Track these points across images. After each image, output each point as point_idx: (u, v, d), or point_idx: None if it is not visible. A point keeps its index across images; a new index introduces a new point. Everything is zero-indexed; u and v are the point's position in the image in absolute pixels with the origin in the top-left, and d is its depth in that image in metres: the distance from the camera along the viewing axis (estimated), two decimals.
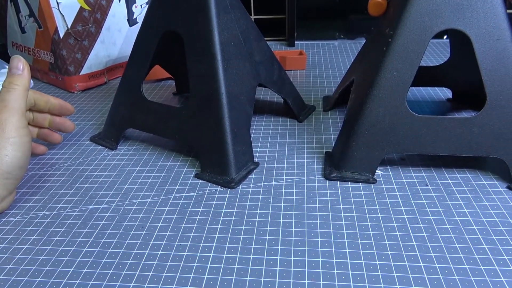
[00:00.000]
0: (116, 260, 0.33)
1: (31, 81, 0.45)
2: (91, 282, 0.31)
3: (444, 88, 0.62)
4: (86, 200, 0.41)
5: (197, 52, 0.43)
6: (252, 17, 0.91)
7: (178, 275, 0.31)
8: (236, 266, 0.32)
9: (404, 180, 0.42)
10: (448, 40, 0.83)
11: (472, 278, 0.30)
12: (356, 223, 0.36)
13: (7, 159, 0.37)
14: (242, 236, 0.35)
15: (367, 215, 0.37)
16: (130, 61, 0.49)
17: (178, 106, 0.45)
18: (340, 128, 0.50)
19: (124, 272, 0.32)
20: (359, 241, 0.34)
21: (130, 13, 0.72)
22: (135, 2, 0.73)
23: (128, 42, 0.73)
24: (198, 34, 0.42)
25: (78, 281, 0.31)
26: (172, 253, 0.33)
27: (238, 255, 0.33)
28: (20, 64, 0.41)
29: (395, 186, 0.41)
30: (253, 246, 0.34)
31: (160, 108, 0.46)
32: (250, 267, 0.32)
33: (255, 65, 0.47)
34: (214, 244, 0.34)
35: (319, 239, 0.34)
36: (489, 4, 0.37)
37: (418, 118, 0.40)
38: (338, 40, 0.90)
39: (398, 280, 0.30)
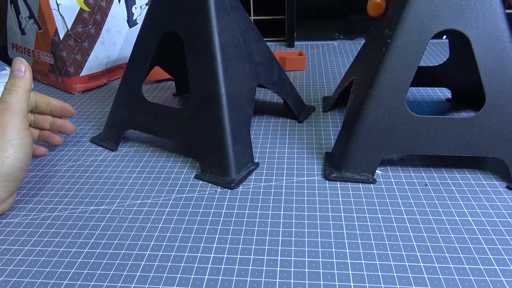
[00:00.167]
0: (117, 261, 0.33)
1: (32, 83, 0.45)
2: (92, 283, 0.31)
3: (443, 88, 0.62)
4: (87, 201, 0.41)
5: (196, 53, 0.43)
6: (252, 17, 0.91)
7: (179, 275, 0.31)
8: (236, 267, 0.32)
9: (403, 180, 0.42)
10: (447, 40, 0.83)
11: (472, 277, 0.30)
12: (356, 223, 0.36)
13: (8, 161, 0.37)
14: (242, 237, 0.35)
15: (367, 215, 0.37)
16: (130, 62, 0.49)
17: (178, 107, 0.45)
18: (339, 128, 0.50)
19: (125, 273, 0.32)
20: (359, 241, 0.34)
21: (130, 14, 0.72)
22: (135, 3, 0.73)
23: (128, 43, 0.73)
24: (197, 35, 0.42)
25: (79, 282, 0.31)
26: (173, 254, 0.34)
27: (238, 256, 0.33)
28: (22, 66, 0.41)
29: (394, 186, 0.41)
30: (253, 247, 0.34)
31: (160, 109, 0.46)
32: (250, 267, 0.32)
33: (254, 66, 0.47)
34: (215, 245, 0.34)
35: (319, 240, 0.34)
36: (488, 4, 0.37)
37: (417, 118, 0.40)
38: (337, 40, 0.91)
39: (398, 280, 0.30)
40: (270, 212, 0.38)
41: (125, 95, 0.49)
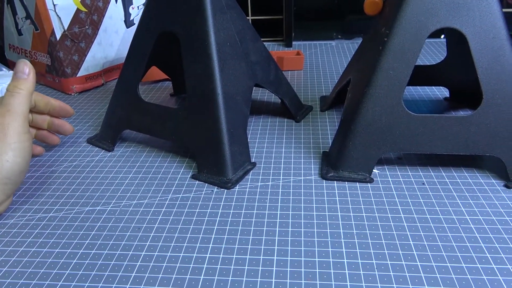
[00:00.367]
0: (112, 262, 0.33)
1: None
2: (87, 284, 0.31)
3: (441, 87, 0.62)
4: (83, 202, 0.40)
5: (193, 53, 0.43)
6: (250, 17, 0.91)
7: (174, 276, 0.31)
8: (232, 267, 0.32)
9: (401, 179, 0.41)
10: (445, 39, 0.83)
11: (469, 276, 0.30)
12: (353, 222, 0.36)
13: (7, 164, 0.36)
14: (238, 237, 0.35)
15: (364, 214, 0.37)
16: (126, 62, 0.49)
17: (175, 107, 0.44)
18: (337, 127, 0.50)
19: (120, 273, 0.32)
20: (356, 240, 0.34)
21: (127, 14, 0.72)
22: (132, 4, 0.73)
23: (125, 44, 0.73)
24: (194, 35, 0.42)
25: (74, 283, 0.31)
26: (168, 254, 0.33)
27: (234, 256, 0.33)
28: (26, 68, 0.41)
29: (392, 185, 0.40)
30: (249, 247, 0.34)
31: (157, 109, 0.46)
32: (246, 267, 0.32)
33: (251, 65, 0.47)
34: (211, 245, 0.34)
35: (315, 239, 0.34)
36: (485, 2, 0.37)
37: (414, 117, 0.39)
38: (335, 40, 0.90)
39: (394, 279, 0.30)
40: (266, 211, 0.38)
41: (121, 95, 0.49)
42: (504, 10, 0.86)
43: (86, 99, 0.66)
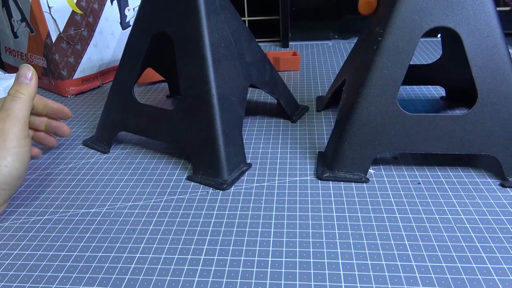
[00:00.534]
0: (106, 264, 0.33)
1: None
2: (81, 287, 0.31)
3: (438, 86, 0.62)
4: (78, 204, 0.40)
5: (187, 54, 0.42)
6: (246, 18, 0.91)
7: (168, 278, 0.31)
8: (226, 268, 0.32)
9: (396, 179, 0.41)
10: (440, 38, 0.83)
11: (464, 276, 0.30)
12: (348, 223, 0.36)
13: (6, 169, 0.36)
14: (233, 238, 0.35)
15: (359, 214, 0.37)
16: (121, 64, 0.48)
17: (171, 108, 0.44)
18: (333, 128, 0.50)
19: (114, 276, 0.31)
20: (351, 241, 0.34)
21: (122, 16, 0.72)
22: (127, 5, 0.73)
23: (121, 45, 0.72)
24: (188, 36, 0.42)
25: (67, 286, 0.31)
26: (163, 256, 0.33)
27: (229, 257, 0.33)
28: (29, 73, 0.41)
29: (387, 185, 0.40)
30: (244, 248, 0.34)
31: (152, 111, 0.46)
32: (240, 269, 0.32)
33: (246, 66, 0.47)
34: (205, 247, 0.34)
35: (310, 240, 0.34)
36: (479, 1, 0.37)
37: (409, 117, 0.39)
38: (332, 40, 0.90)
39: (389, 279, 0.30)
40: (261, 212, 0.38)
41: (116, 97, 0.49)
42: (499, 8, 0.86)
43: (82, 101, 0.66)
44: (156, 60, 0.56)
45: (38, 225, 0.38)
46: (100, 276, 0.32)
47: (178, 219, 0.37)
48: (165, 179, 0.43)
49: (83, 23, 0.66)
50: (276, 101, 0.53)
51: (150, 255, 0.33)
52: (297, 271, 0.31)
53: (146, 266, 0.32)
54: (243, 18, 0.90)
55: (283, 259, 0.32)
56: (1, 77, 0.65)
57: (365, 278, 0.30)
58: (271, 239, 0.34)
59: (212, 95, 0.42)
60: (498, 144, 0.39)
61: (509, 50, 0.38)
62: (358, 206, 0.38)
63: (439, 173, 0.42)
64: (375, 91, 0.39)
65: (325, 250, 0.33)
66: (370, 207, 0.38)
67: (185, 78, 0.43)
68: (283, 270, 0.31)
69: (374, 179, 0.42)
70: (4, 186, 0.37)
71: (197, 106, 0.42)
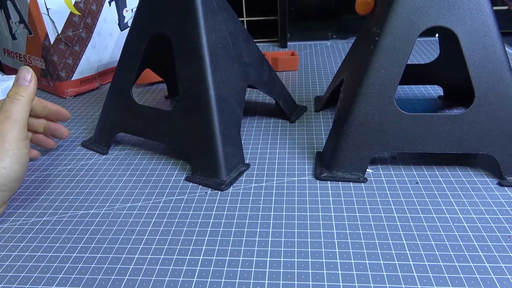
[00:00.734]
0: (105, 265, 0.33)
1: None
2: None
3: (435, 85, 0.62)
4: (76, 205, 0.40)
5: (185, 55, 0.43)
6: (244, 18, 0.91)
7: (167, 279, 0.31)
8: (225, 269, 0.32)
9: (394, 178, 0.41)
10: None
11: (462, 275, 0.30)
12: (346, 222, 0.36)
13: (4, 171, 0.36)
14: (232, 238, 0.35)
15: (357, 214, 0.37)
16: (119, 65, 0.48)
17: (170, 109, 0.44)
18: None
19: (113, 277, 0.32)
20: (349, 240, 0.34)
21: (121, 17, 0.72)
22: (125, 6, 0.73)
23: (119, 47, 0.73)
24: (185, 37, 0.42)
25: (67, 287, 0.31)
26: (162, 256, 0.33)
27: (227, 258, 0.33)
28: (28, 75, 0.41)
29: (385, 185, 0.40)
30: (242, 248, 0.34)
31: (150, 112, 0.46)
32: (239, 269, 0.32)
33: (244, 66, 0.47)
34: (204, 247, 0.34)
35: (308, 240, 0.34)
36: (475, 0, 0.37)
37: (407, 116, 0.39)
38: (330, 40, 0.90)
39: (387, 278, 0.30)
40: (260, 213, 0.38)
41: (115, 98, 0.49)
42: (496, 8, 0.86)
43: (81, 102, 0.66)
44: (154, 61, 0.56)
45: (37, 227, 0.38)
46: (99, 277, 0.32)
47: (176, 220, 0.37)
48: (163, 180, 0.43)
49: (81, 25, 0.66)
50: (274, 101, 0.53)
51: (149, 256, 0.33)
52: (296, 271, 0.31)
53: (145, 266, 0.32)
54: (241, 18, 0.90)
55: (282, 259, 0.32)
56: (0, 78, 0.65)
57: (363, 277, 0.30)
58: (270, 239, 0.34)
59: (210, 95, 0.42)
60: (495, 143, 0.39)
61: (506, 49, 0.38)
62: (356, 206, 0.38)
63: (437, 173, 0.42)
64: (372, 91, 0.40)
65: (323, 250, 0.33)
66: (368, 206, 0.38)
67: (183, 79, 0.43)
68: (281, 270, 0.31)
69: (372, 178, 0.42)
70: (3, 188, 0.37)
71: (195, 106, 0.42)
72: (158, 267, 0.32)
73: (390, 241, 0.33)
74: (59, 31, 0.64)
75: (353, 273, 0.31)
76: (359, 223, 0.36)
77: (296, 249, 0.33)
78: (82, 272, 0.32)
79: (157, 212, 0.39)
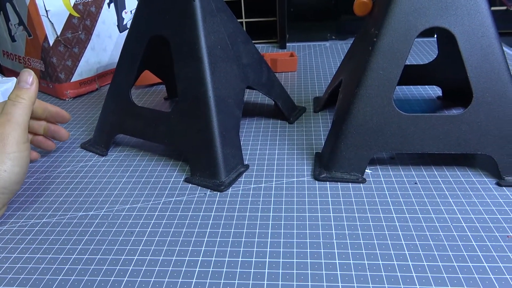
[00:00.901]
0: (104, 267, 0.33)
1: None
2: None
3: (434, 86, 0.62)
4: (76, 207, 0.40)
5: (184, 56, 0.43)
6: (243, 20, 0.91)
7: (166, 280, 0.31)
8: (224, 269, 0.32)
9: (393, 179, 0.42)
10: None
11: (460, 275, 0.30)
12: (345, 223, 0.36)
13: (5, 174, 0.36)
14: (231, 239, 0.35)
15: (356, 215, 0.37)
16: (118, 67, 0.49)
17: (169, 110, 0.45)
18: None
19: (112, 278, 0.32)
20: (348, 241, 0.34)
21: (120, 19, 0.72)
22: (124, 8, 0.73)
23: (118, 48, 0.73)
24: (184, 39, 0.42)
25: None
26: (161, 258, 0.33)
27: (226, 258, 0.33)
28: (30, 78, 0.41)
29: (384, 185, 0.41)
30: (241, 249, 0.34)
31: (149, 113, 0.46)
32: (238, 270, 0.32)
33: (243, 67, 0.47)
34: (203, 248, 0.34)
35: (308, 241, 0.34)
36: (473, 1, 0.37)
37: (405, 117, 0.40)
38: (329, 41, 0.91)
39: (386, 279, 0.30)
40: (259, 214, 0.38)
41: (114, 100, 0.49)
42: (494, 8, 0.86)
43: (80, 104, 0.66)
44: (153, 63, 0.56)
45: (36, 228, 0.38)
46: (99, 278, 0.32)
47: (176, 221, 0.37)
48: (163, 181, 0.44)
49: (81, 26, 0.66)
50: (273, 102, 0.53)
51: (148, 257, 0.33)
52: (295, 271, 0.31)
53: (144, 268, 0.32)
54: (240, 20, 0.90)
55: (281, 260, 0.32)
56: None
57: (362, 278, 0.30)
58: (269, 240, 0.35)
59: (209, 97, 0.42)
60: (493, 143, 0.39)
61: (504, 49, 0.38)
62: (355, 207, 0.38)
63: (436, 173, 0.42)
64: (371, 91, 0.40)
65: (322, 250, 0.33)
66: (367, 207, 0.38)
67: (182, 80, 0.43)
68: (280, 271, 0.31)
69: (371, 179, 0.42)
70: (3, 191, 0.37)
71: (194, 108, 0.43)
72: (157, 268, 0.32)
73: (389, 242, 0.33)
74: (58, 33, 0.64)
75: (352, 274, 0.31)
76: (358, 223, 0.36)
77: (295, 250, 0.33)
78: (81, 273, 0.32)
79: (156, 213, 0.39)
